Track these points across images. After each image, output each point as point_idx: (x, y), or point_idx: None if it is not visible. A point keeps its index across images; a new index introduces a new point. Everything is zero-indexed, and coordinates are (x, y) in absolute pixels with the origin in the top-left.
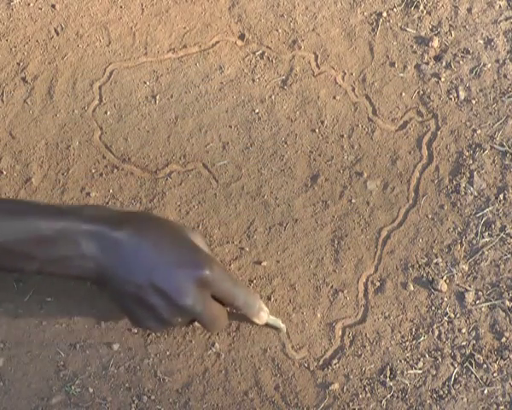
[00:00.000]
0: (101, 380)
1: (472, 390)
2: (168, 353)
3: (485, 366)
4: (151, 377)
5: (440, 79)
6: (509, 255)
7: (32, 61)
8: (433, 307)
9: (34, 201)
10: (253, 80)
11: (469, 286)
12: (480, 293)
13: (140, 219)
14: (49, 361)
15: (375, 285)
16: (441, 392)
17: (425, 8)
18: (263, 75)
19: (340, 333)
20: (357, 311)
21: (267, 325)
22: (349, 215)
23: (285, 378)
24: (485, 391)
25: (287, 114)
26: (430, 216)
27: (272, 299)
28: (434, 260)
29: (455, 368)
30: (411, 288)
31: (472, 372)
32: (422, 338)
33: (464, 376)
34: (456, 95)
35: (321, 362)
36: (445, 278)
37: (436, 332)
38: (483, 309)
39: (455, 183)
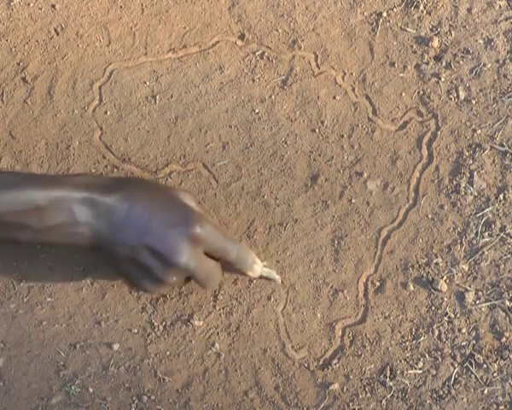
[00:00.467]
0: (101, 380)
1: (472, 390)
2: (168, 353)
3: (485, 366)
4: (151, 377)
5: (440, 79)
6: (509, 255)
7: (32, 61)
8: (433, 307)
9: (26, 172)
10: (253, 80)
11: (469, 286)
12: (479, 293)
13: (131, 184)
14: (49, 361)
15: (375, 285)
16: (441, 392)
17: (425, 8)
18: (263, 75)
19: (340, 333)
20: (357, 311)
21: (261, 277)
22: (349, 215)
23: (285, 378)
24: (485, 391)
25: (287, 114)
26: (430, 216)
27: (272, 299)
28: (434, 260)
29: (455, 368)
30: (411, 288)
31: (472, 372)
32: (422, 338)
33: (464, 376)
34: (456, 95)
35: (321, 362)
36: (445, 278)
37: (436, 332)
38: (483, 309)
39: (455, 183)
